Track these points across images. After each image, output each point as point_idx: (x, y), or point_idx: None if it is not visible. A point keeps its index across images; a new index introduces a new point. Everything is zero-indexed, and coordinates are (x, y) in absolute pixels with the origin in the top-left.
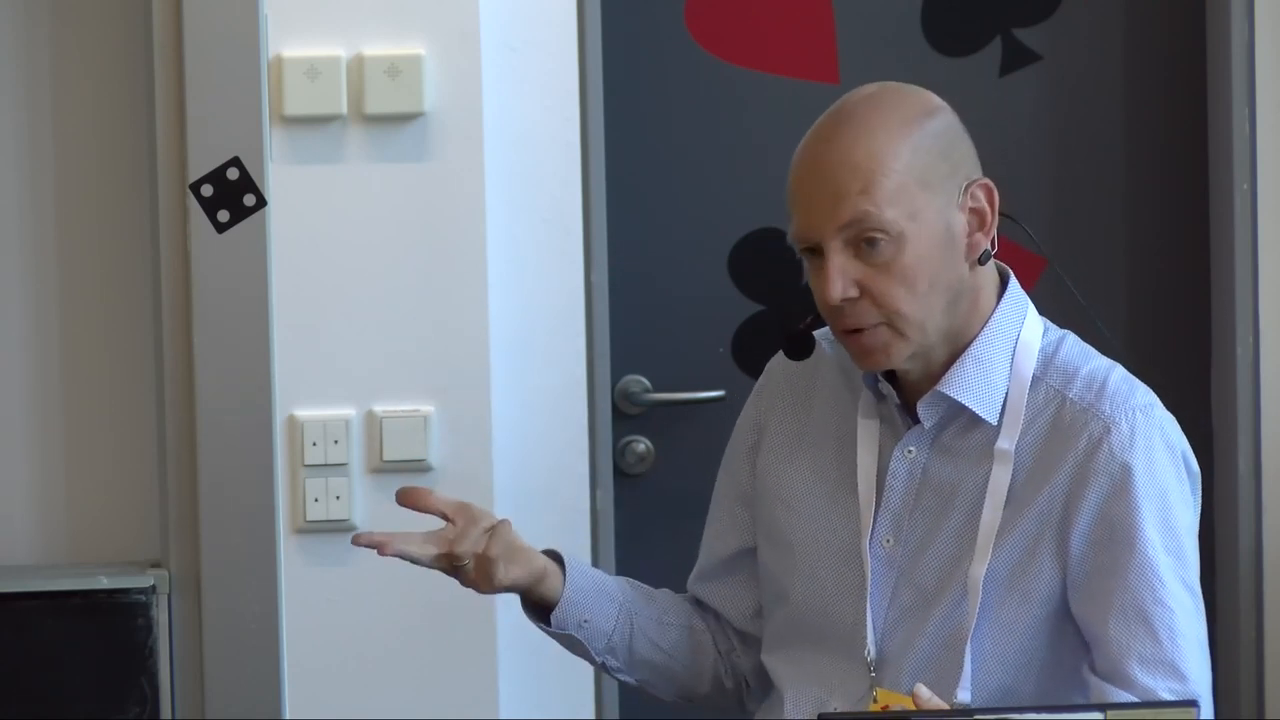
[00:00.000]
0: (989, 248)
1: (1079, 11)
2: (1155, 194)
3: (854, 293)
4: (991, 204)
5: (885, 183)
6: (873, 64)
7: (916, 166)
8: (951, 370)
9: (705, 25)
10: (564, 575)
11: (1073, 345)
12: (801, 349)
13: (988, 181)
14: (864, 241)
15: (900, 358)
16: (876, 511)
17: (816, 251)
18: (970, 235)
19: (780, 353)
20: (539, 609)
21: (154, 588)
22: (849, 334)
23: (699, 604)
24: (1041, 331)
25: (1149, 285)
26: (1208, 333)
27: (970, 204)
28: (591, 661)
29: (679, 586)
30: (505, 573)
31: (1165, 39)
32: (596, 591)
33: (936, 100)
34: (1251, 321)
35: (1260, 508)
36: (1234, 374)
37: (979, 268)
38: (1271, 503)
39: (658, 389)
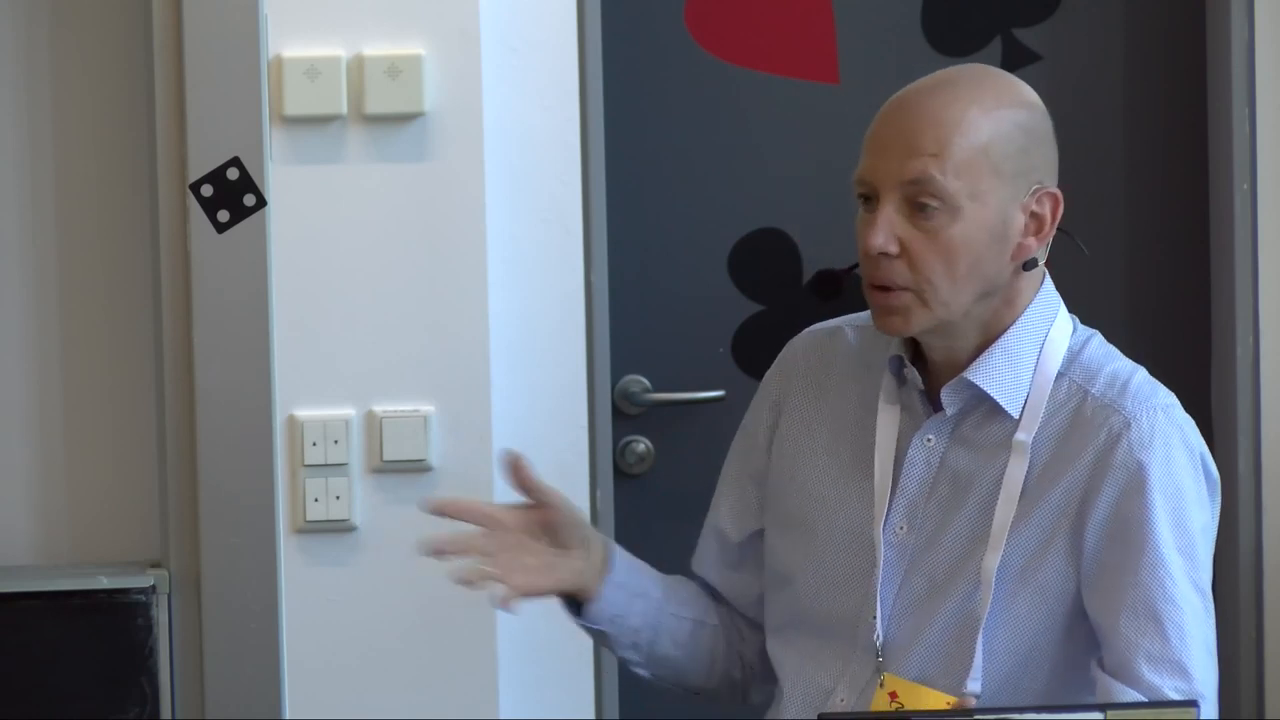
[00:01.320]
0: (1037, 257)
1: (1079, 11)
2: (1155, 194)
3: (894, 249)
4: (1055, 215)
5: (959, 152)
6: (873, 64)
7: (994, 149)
8: (980, 360)
9: (705, 25)
10: (606, 570)
11: (1099, 345)
12: (831, 286)
13: (1057, 192)
14: (920, 204)
15: (918, 326)
16: (892, 498)
17: (872, 199)
18: (1023, 237)
19: (800, 334)
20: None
21: (154, 588)
22: (876, 290)
23: (713, 593)
24: (1070, 330)
25: (1149, 285)
26: (1208, 333)
27: (1034, 207)
28: (613, 652)
29: None
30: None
31: (1165, 39)
32: (633, 591)
33: (1036, 99)
34: (1251, 321)
35: (1260, 508)
36: (1234, 374)
37: (1022, 273)
38: (1271, 503)
39: (658, 389)
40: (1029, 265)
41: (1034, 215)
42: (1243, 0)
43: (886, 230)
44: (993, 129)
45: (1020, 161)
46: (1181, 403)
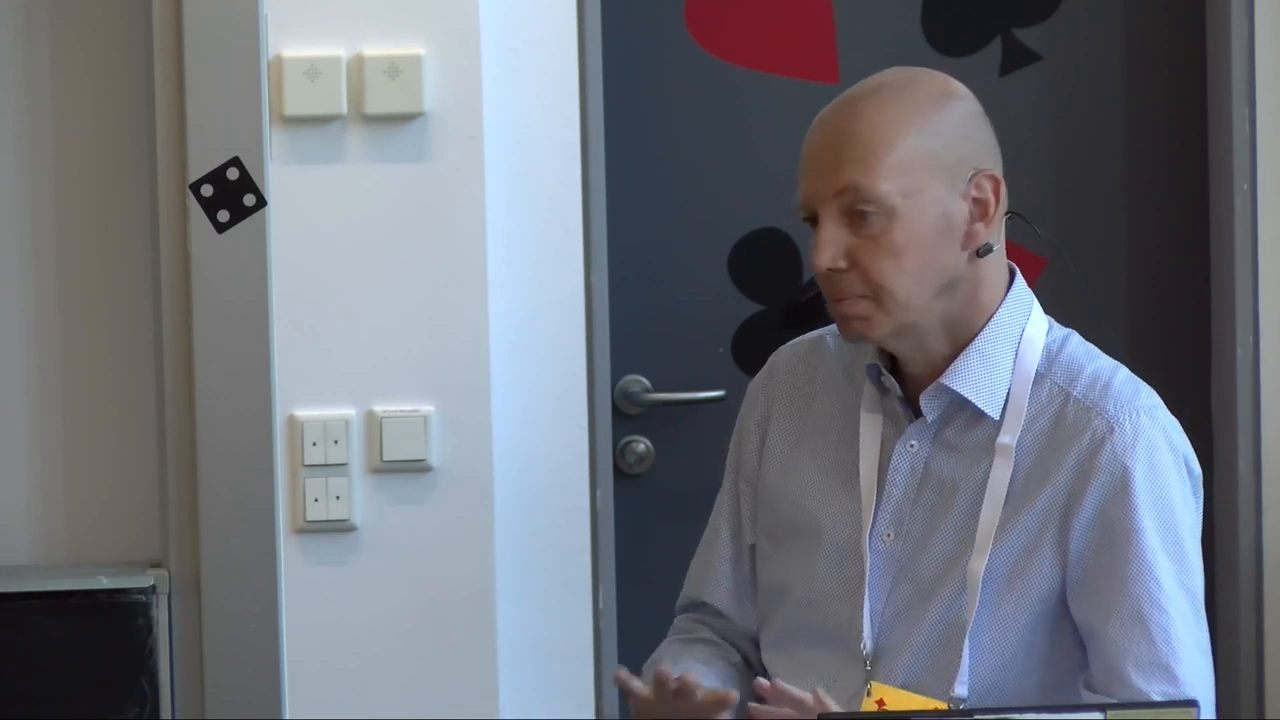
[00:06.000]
0: (990, 241)
1: (1079, 11)
2: (1155, 194)
3: (842, 263)
4: (997, 196)
5: (884, 157)
6: (873, 64)
7: (921, 147)
8: (955, 364)
9: (705, 25)
10: None
11: (1077, 344)
12: (799, 317)
13: (996, 174)
14: (856, 213)
15: (881, 331)
16: (877, 506)
17: (815, 221)
18: (970, 224)
19: (784, 346)
20: None
21: (154, 588)
22: (835, 302)
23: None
24: (1046, 329)
25: (1149, 285)
26: (1208, 333)
27: (974, 193)
28: None
29: (679, 583)
30: None
31: (1165, 39)
32: None
33: (959, 88)
34: (1251, 321)
35: (1260, 508)
36: (1234, 374)
37: (979, 260)
38: (1271, 503)
39: (658, 389)
40: (983, 251)
41: (976, 201)
42: (1243, 0)
43: (831, 247)
44: (914, 128)
45: (950, 153)
46: (1182, 403)
